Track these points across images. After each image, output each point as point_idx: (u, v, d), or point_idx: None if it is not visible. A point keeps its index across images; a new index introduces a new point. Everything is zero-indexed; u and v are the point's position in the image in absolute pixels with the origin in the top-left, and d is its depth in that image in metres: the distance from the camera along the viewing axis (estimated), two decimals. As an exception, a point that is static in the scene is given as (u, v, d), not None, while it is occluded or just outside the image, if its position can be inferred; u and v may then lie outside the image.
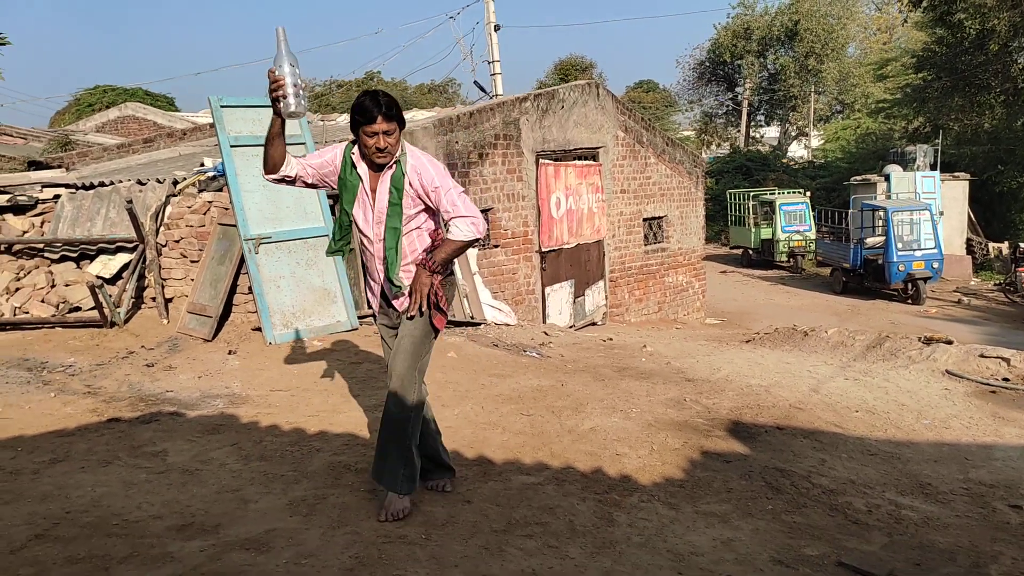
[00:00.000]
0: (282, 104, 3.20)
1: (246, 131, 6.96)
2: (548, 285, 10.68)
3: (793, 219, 24.09)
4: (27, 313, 7.55)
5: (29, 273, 7.94)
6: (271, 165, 3.37)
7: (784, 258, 24.07)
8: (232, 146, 6.83)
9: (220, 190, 7.52)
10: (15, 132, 21.03)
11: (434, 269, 3.36)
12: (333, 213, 7.12)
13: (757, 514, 3.75)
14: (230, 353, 6.51)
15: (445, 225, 3.40)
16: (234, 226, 6.88)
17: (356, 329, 7.17)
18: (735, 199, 26.87)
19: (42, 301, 7.67)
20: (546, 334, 8.23)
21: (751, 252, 25.48)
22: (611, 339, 8.49)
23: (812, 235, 23.42)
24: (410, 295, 3.39)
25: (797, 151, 45.21)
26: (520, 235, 10.17)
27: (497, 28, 20.29)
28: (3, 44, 8.10)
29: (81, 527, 3.35)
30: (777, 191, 26.72)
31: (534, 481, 3.91)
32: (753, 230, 25.26)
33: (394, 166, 3.32)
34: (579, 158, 11.37)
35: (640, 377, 6.15)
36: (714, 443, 4.59)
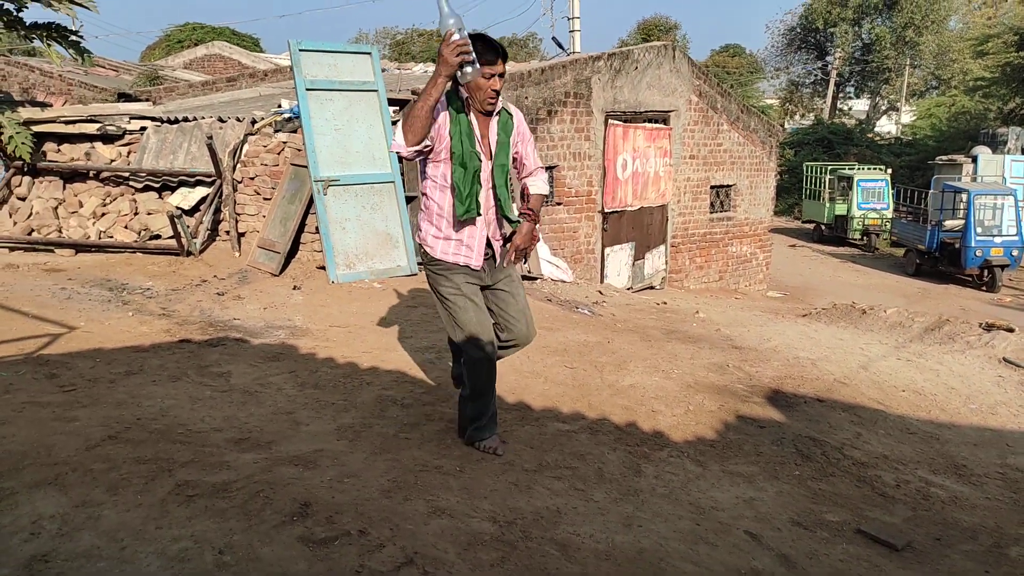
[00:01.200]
0: (468, 68, 3.00)
1: (322, 75, 7.18)
2: (608, 246, 10.74)
3: (871, 196, 23.40)
4: (111, 237, 8.02)
5: (115, 200, 8.40)
6: (420, 134, 3.11)
7: (857, 236, 23.47)
8: (308, 89, 7.07)
9: (295, 131, 7.79)
10: (108, 64, 21.84)
11: (537, 220, 3.56)
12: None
13: (783, 478, 3.86)
14: (295, 288, 6.82)
15: (525, 177, 3.57)
16: (305, 167, 7.15)
17: (415, 275, 7.41)
18: (812, 172, 26.20)
19: (126, 227, 8.13)
20: (601, 293, 8.34)
21: (823, 227, 24.91)
22: (665, 303, 8.55)
23: (889, 214, 22.75)
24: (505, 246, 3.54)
25: (886, 126, 43.62)
26: (584, 194, 10.23)
27: (579, -17, 20.07)
28: (99, -25, 8.41)
29: (150, 432, 3.67)
30: (857, 166, 25.93)
31: (569, 429, 4.08)
32: (828, 205, 24.65)
33: (501, 112, 3.38)
34: (649, 120, 11.30)
35: (687, 340, 6.24)
36: (751, 408, 4.68)
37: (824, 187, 25.05)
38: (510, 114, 3.43)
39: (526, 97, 9.25)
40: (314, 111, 7.10)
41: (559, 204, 9.92)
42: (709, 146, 12.63)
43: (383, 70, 12.39)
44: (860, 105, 45.96)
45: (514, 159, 3.54)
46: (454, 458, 3.56)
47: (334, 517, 2.90)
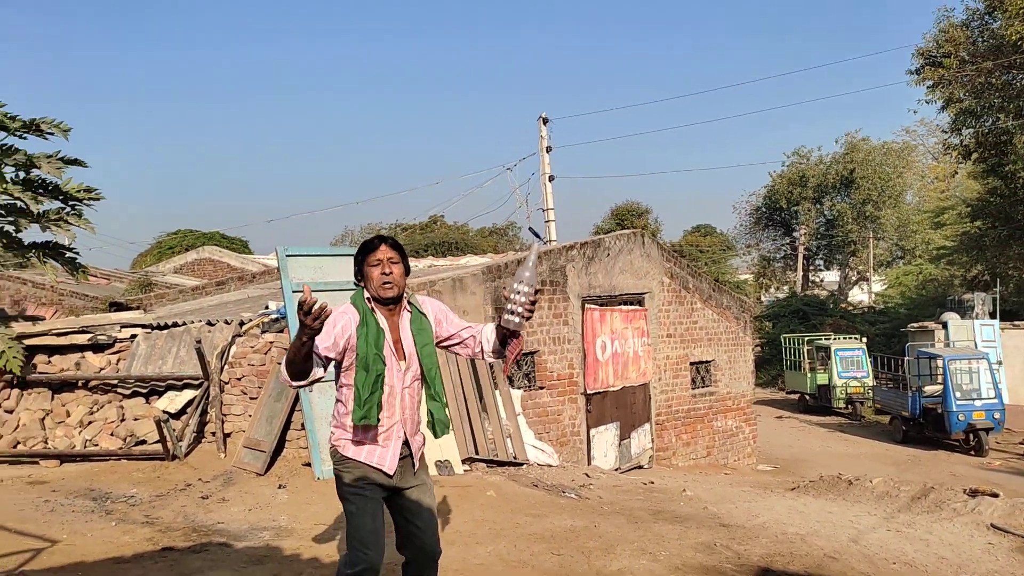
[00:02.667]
0: (509, 318, 3.26)
1: (307, 277, 7.54)
2: (593, 427, 10.81)
3: (850, 365, 23.79)
4: (96, 445, 8.03)
5: (102, 407, 8.48)
6: (301, 372, 3.16)
7: (841, 404, 23.61)
8: (294, 291, 7.40)
9: (281, 331, 8.06)
10: (100, 273, 22.54)
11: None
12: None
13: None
14: (280, 487, 6.80)
15: (479, 337, 3.44)
16: (291, 366, 7.34)
17: (401, 467, 7.41)
18: (790, 343, 26.73)
19: (112, 434, 8.16)
20: (587, 476, 8.33)
21: (807, 397, 25.08)
22: (652, 482, 8.53)
23: (870, 381, 23.04)
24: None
25: (858, 296, 44.99)
26: (565, 377, 10.44)
27: (551, 179, 21.40)
28: (96, 200, 8.97)
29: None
30: (833, 336, 26.54)
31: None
32: (809, 375, 24.97)
33: (411, 309, 3.37)
34: (625, 303, 11.74)
35: (674, 520, 6.21)
36: (740, 588, 4.63)
37: (803, 358, 25.47)
38: (420, 311, 3.39)
39: (504, 287, 9.65)
40: (300, 312, 7.39)
41: (542, 388, 10.09)
42: (685, 324, 13.03)
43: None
44: (831, 276, 47.64)
45: (453, 343, 3.48)
46: (441, 658, 3.50)
47: None
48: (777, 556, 5.34)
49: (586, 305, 10.86)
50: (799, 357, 25.88)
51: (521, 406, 9.44)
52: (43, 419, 8.32)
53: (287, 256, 7.56)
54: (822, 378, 24.38)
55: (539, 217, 21.75)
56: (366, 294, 3.31)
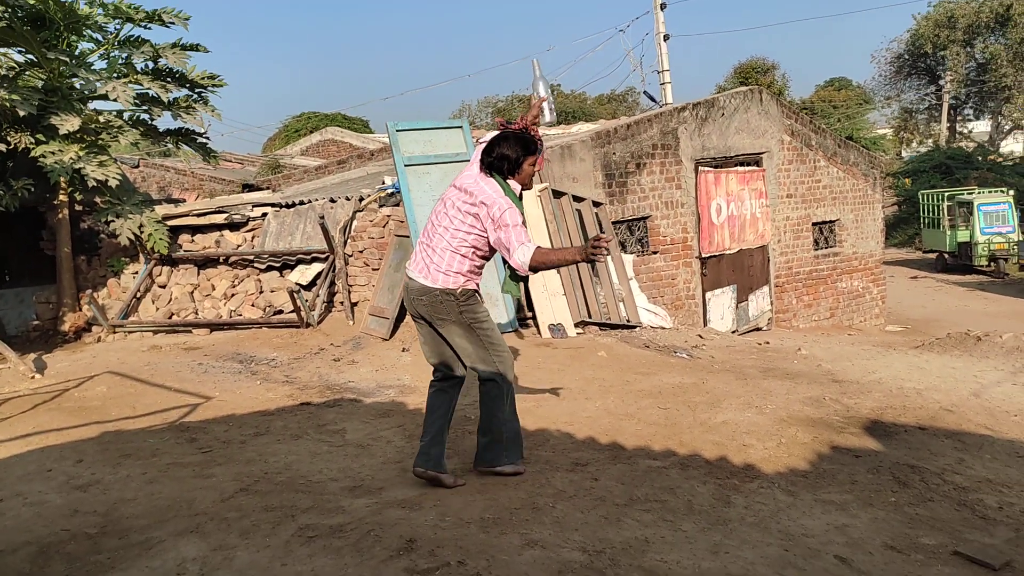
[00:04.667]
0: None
1: (418, 151, 7.74)
2: (709, 290, 10.79)
3: (994, 220, 22.28)
4: (240, 315, 8.77)
5: (242, 281, 9.19)
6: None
7: (984, 262, 22.31)
8: (406, 165, 7.63)
9: (397, 205, 8.37)
10: (233, 158, 23.77)
11: None
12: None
13: (878, 505, 3.87)
14: (403, 350, 7.27)
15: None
16: (408, 237, 7.67)
17: (516, 330, 7.73)
18: (928, 200, 25.20)
19: (252, 305, 8.87)
20: (700, 337, 8.42)
21: (946, 256, 23.82)
22: (767, 343, 8.54)
23: (1016, 237, 21.56)
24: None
25: (1011, 146, 41.43)
26: (679, 241, 10.37)
27: (666, 38, 20.42)
28: (220, 86, 9.38)
29: (275, 484, 4.09)
30: (977, 190, 24.79)
31: (659, 465, 4.24)
32: (948, 233, 23.61)
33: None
34: (741, 164, 11.38)
35: (784, 377, 6.26)
36: (846, 439, 4.69)
37: (943, 215, 24.04)
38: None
39: (614, 152, 9.56)
40: (412, 184, 7.65)
41: (655, 253, 10.09)
42: (807, 183, 12.54)
43: (480, 140, 13.04)
44: (981, 127, 43.86)
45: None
46: (548, 495, 3.79)
47: (436, 551, 3.19)
48: (888, 409, 5.33)
49: (700, 168, 10.62)
50: (938, 214, 24.43)
51: (634, 271, 9.51)
52: (192, 292, 9.11)
53: (397, 131, 7.75)
54: (963, 235, 23.02)
55: (654, 80, 21.00)
56: (513, 184, 3.92)
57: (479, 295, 4.04)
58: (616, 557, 3.17)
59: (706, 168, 10.71)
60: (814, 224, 12.78)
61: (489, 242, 3.83)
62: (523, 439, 4.18)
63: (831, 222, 13.13)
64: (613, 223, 9.43)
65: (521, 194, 4.01)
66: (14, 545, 3.45)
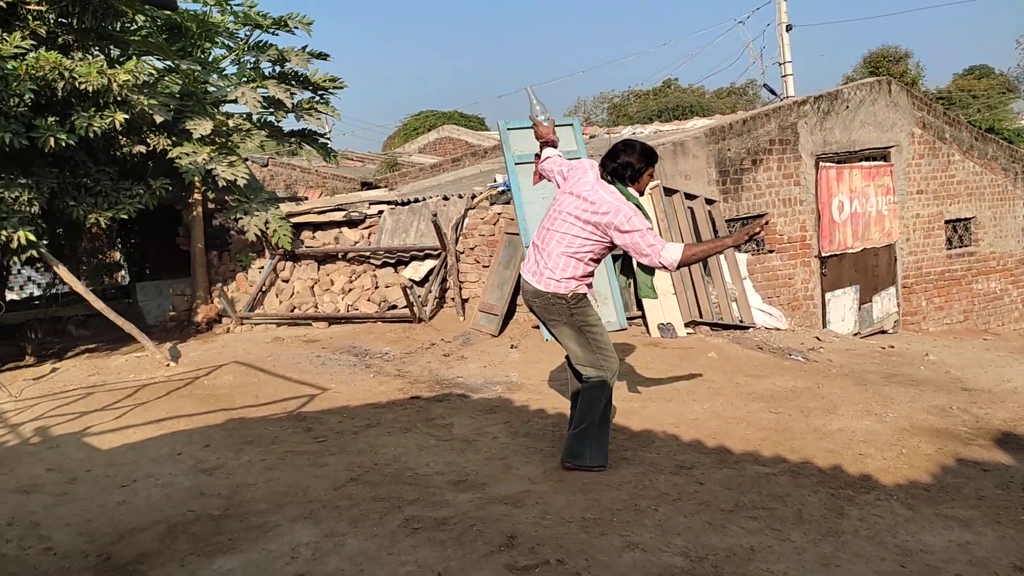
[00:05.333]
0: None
1: (528, 149, 7.78)
2: (828, 291, 10.36)
3: None
4: (357, 309, 9.08)
5: (359, 276, 9.51)
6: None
7: None
8: (516, 164, 7.70)
9: (508, 203, 8.45)
10: (354, 156, 24.60)
11: None
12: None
13: (1007, 523, 3.63)
14: (512, 347, 7.34)
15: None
16: (517, 234, 7.73)
17: (625, 329, 7.67)
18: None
19: (368, 300, 9.17)
20: (818, 339, 8.10)
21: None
22: (892, 346, 8.13)
23: None
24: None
25: None
26: (797, 240, 10.01)
27: (789, 28, 19.74)
28: (340, 88, 9.74)
29: (384, 475, 4.22)
30: None
31: (768, 472, 4.12)
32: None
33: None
34: (866, 159, 10.87)
35: (908, 384, 5.95)
36: (974, 451, 4.42)
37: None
38: None
39: (728, 149, 9.33)
40: (522, 183, 7.70)
41: (771, 251, 9.78)
42: (939, 179, 11.85)
43: (592, 136, 13.00)
44: None
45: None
46: (650, 498, 3.75)
47: (536, 548, 3.22)
48: (1023, 421, 4.98)
49: (821, 163, 10.21)
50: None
51: (748, 270, 9.25)
52: (312, 287, 9.50)
53: (508, 130, 7.83)
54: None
55: (775, 72, 20.32)
56: (632, 191, 4.02)
57: (589, 298, 4.16)
58: (719, 564, 3.11)
59: (828, 164, 10.29)
60: (947, 222, 12.07)
61: (605, 247, 3.98)
62: (609, 443, 4.24)
63: (966, 220, 12.36)
64: (726, 221, 9.20)
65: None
66: (146, 523, 3.71)
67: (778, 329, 8.51)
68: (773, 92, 19.96)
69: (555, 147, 4.55)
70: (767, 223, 3.80)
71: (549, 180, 4.49)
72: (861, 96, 10.69)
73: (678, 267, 3.85)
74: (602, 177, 4.03)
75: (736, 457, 4.34)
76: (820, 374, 6.30)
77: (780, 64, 19.99)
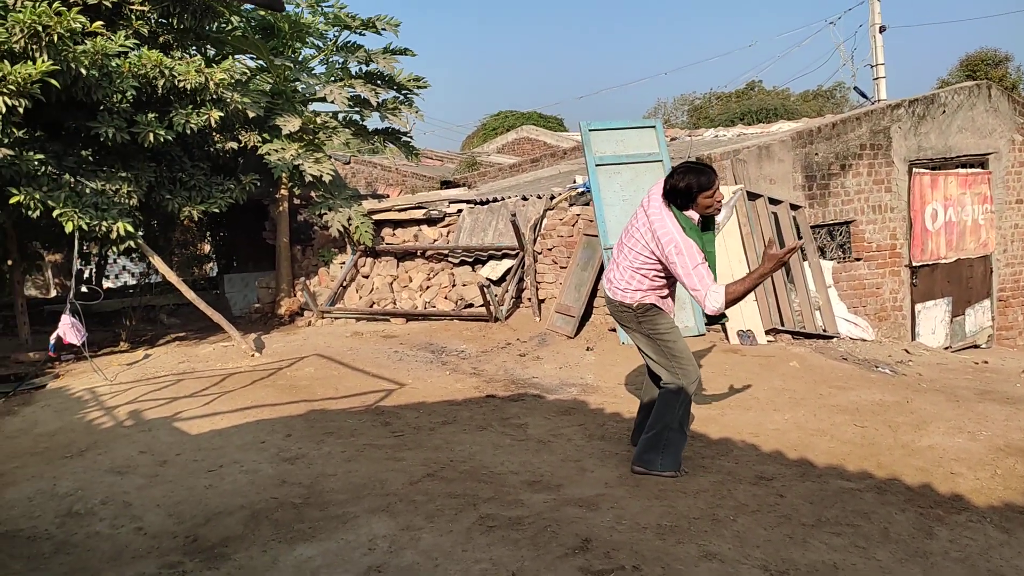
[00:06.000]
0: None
1: (609, 151, 7.74)
2: (919, 302, 9.97)
3: None
4: (434, 307, 9.19)
5: (437, 274, 9.62)
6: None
7: None
8: (597, 165, 7.66)
9: (587, 204, 8.41)
10: (434, 155, 24.95)
11: None
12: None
13: (1110, 553, 3.43)
14: (588, 349, 7.31)
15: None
16: (596, 236, 7.70)
17: (703, 335, 7.55)
18: None
19: (445, 298, 9.27)
20: (907, 352, 7.82)
21: None
22: (986, 362, 7.77)
23: None
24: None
25: None
26: (887, 248, 9.67)
27: (882, 29, 19.11)
28: (424, 88, 9.88)
29: (460, 472, 4.26)
30: None
31: (853, 487, 3.99)
32: None
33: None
34: (962, 166, 10.42)
35: (1004, 402, 5.67)
36: (1076, 476, 4.19)
37: None
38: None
39: (816, 153, 9.08)
40: (603, 184, 7.66)
41: (858, 259, 9.47)
42: (1041, 188, 11.27)
43: (673, 139, 12.84)
44: None
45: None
46: (728, 508, 3.68)
47: (611, 553, 3.19)
48: None
49: (914, 169, 9.84)
50: None
51: (833, 278, 8.99)
52: (391, 283, 9.66)
53: (590, 131, 7.80)
54: None
55: (866, 75, 19.70)
56: (690, 214, 3.97)
57: (659, 307, 4.18)
58: (800, 580, 3.03)
59: (921, 170, 9.91)
60: (1048, 233, 11.46)
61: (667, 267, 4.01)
62: (685, 451, 4.23)
63: (1069, 231, 11.72)
64: (812, 227, 8.95)
65: (701, 221, 4.04)
66: (231, 508, 3.83)
67: (864, 340, 8.24)
68: (864, 95, 19.33)
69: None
70: (799, 248, 4.00)
71: None
72: (959, 100, 10.26)
73: (723, 307, 3.86)
74: (664, 200, 4.07)
75: (819, 471, 4.22)
76: (909, 388, 6.08)
77: (872, 66, 19.38)
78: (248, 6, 8.01)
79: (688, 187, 3.92)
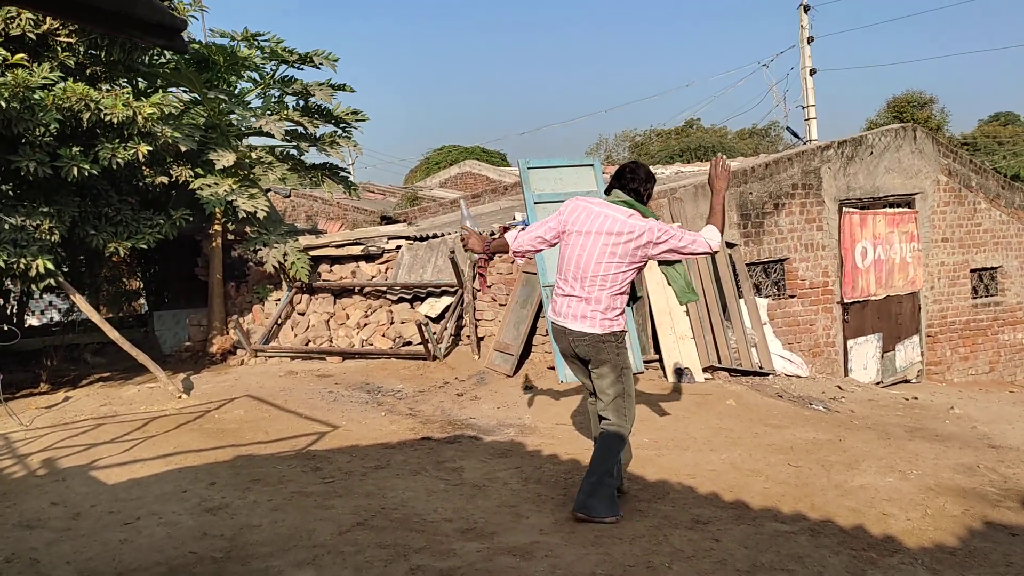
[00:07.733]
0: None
1: (548, 189, 7.76)
2: (851, 338, 10.18)
3: None
4: (371, 345, 9.01)
5: (375, 311, 9.46)
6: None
7: None
8: (535, 203, 7.65)
9: (526, 242, 8.38)
10: (376, 189, 24.74)
11: None
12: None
13: (1039, 593, 3.47)
14: (526, 388, 7.23)
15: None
16: (535, 274, 7.67)
17: (642, 372, 7.55)
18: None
19: (383, 335, 9.11)
20: (840, 388, 7.94)
21: None
22: (916, 398, 7.94)
23: None
24: None
25: None
26: (819, 285, 9.87)
27: (813, 72, 19.78)
28: (362, 121, 9.80)
29: (391, 520, 4.12)
30: None
31: (788, 530, 3.97)
32: None
33: None
34: (890, 205, 10.75)
35: (933, 439, 5.78)
36: (1002, 514, 4.25)
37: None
38: None
39: (750, 192, 9.25)
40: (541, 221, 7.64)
41: (792, 296, 9.64)
42: (965, 227, 11.69)
43: (609, 177, 12.96)
44: None
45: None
46: (664, 554, 3.62)
47: (544, 605, 3.09)
48: (1054, 483, 4.80)
49: (844, 209, 10.10)
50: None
51: (768, 315, 9.12)
52: (327, 320, 9.46)
53: (528, 169, 7.80)
54: None
55: (798, 115, 20.32)
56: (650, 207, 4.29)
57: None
58: (735, 630, 2.97)
59: (851, 209, 10.18)
60: (972, 271, 11.87)
61: (637, 269, 4.14)
62: (623, 493, 4.34)
63: (992, 269, 12.16)
64: (747, 265, 9.09)
65: None
66: (147, 564, 3.62)
67: (799, 376, 8.35)
68: (796, 135, 19.93)
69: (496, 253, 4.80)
70: (723, 157, 4.26)
71: (531, 255, 4.70)
72: (886, 142, 10.60)
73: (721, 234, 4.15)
74: (612, 200, 4.22)
75: (754, 513, 4.19)
76: (842, 426, 6.14)
77: (803, 108, 20.02)
78: (156, 46, 7.82)
79: (650, 181, 4.30)
